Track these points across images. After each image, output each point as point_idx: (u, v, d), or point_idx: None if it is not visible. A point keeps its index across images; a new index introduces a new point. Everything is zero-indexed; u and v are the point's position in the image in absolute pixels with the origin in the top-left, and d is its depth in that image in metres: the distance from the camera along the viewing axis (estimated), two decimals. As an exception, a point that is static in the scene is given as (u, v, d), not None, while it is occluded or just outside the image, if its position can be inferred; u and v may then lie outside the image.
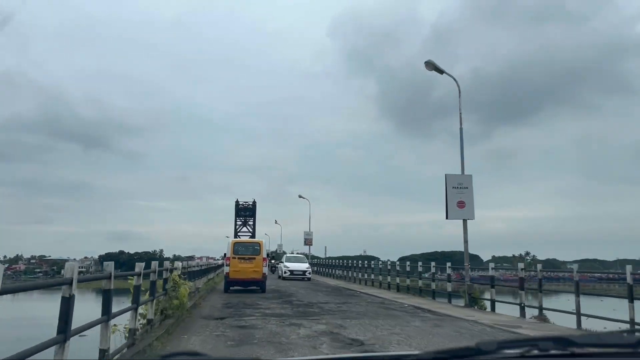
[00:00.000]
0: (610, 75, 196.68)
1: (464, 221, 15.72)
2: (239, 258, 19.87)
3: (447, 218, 15.57)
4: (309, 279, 30.07)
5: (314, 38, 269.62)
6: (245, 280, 20.02)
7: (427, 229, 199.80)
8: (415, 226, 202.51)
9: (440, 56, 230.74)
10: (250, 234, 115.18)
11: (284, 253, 51.16)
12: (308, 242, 43.07)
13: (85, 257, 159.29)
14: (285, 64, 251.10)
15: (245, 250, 20.24)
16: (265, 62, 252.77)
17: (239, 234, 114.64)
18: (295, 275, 29.78)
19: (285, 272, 30.27)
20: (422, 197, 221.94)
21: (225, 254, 21.31)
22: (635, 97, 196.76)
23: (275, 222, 71.70)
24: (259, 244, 20.86)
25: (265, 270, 20.27)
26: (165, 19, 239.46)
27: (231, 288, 20.36)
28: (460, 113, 15.97)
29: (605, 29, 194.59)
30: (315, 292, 20.72)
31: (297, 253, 47.55)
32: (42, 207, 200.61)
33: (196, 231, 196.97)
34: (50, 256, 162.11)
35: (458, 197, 15.48)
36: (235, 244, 20.60)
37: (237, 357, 7.42)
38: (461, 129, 15.89)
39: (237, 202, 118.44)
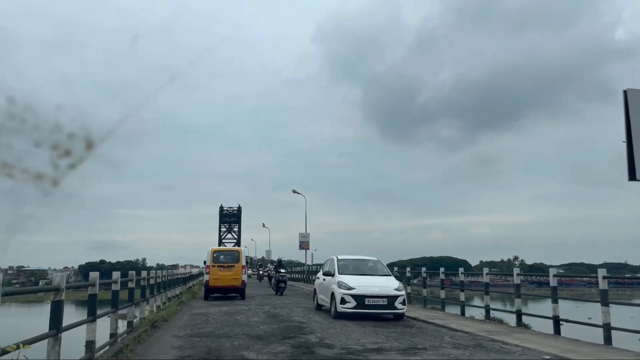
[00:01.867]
0: (592, 80, 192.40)
1: (665, 184, 7.55)
2: (218, 266, 19.27)
3: (631, 178, 7.38)
4: (401, 315, 12.32)
5: (298, 44, 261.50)
6: (225, 288, 19.54)
7: (412, 235, 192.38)
8: (401, 232, 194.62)
9: (424, 62, 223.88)
10: (235, 241, 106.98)
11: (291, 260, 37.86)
12: (304, 245, 34.43)
13: (65, 267, 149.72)
14: (270, 70, 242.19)
15: (225, 258, 19.79)
16: (250, 69, 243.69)
17: (223, 241, 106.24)
18: (371, 310, 12.05)
19: (345, 302, 12.19)
20: (407, 203, 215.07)
21: (205, 262, 20.35)
22: (616, 103, 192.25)
23: (263, 225, 62.95)
24: (238, 252, 20.52)
25: (245, 277, 19.97)
26: (148, 26, 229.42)
27: (211, 296, 19.66)
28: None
29: (586, 35, 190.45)
30: (337, 320, 12.44)
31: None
32: (21, 216, 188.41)
33: (181, 240, 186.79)
34: (28, 267, 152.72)
35: (652, 135, 7.36)
36: (214, 252, 19.86)
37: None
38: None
39: (221, 207, 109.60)
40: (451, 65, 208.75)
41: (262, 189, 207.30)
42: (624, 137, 7.50)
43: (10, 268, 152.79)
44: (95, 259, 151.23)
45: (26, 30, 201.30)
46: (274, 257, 62.19)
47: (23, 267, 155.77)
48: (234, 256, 19.88)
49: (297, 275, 41.62)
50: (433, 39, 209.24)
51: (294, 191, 36.70)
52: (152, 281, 11.76)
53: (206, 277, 19.52)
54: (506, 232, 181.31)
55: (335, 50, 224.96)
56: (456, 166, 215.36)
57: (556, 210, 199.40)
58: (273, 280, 23.72)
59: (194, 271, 35.80)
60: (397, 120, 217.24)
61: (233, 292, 19.71)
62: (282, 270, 23.08)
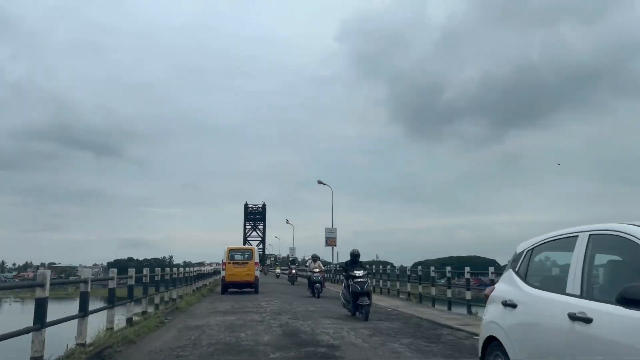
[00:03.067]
0: (625, 76, 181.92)
1: None
2: (233, 263, 20.50)
3: None
4: None
5: (322, 43, 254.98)
6: (239, 283, 20.63)
7: (438, 233, 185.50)
8: (427, 231, 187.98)
9: (450, 59, 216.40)
10: (260, 239, 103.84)
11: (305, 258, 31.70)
12: (331, 241, 30.39)
13: (95, 264, 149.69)
14: (294, 69, 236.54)
15: (239, 256, 21.02)
16: (274, 68, 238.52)
17: (248, 239, 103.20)
18: None
19: None
20: (433, 201, 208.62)
21: (222, 260, 21.59)
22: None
23: (287, 221, 59.36)
24: (251, 251, 22.16)
25: (257, 273, 20.96)
26: (174, 27, 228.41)
27: (228, 290, 20.77)
28: None
29: (618, 28, 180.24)
30: (384, 336, 8.49)
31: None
32: (54, 214, 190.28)
33: (208, 238, 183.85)
34: (60, 263, 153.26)
35: None
36: (230, 251, 21.07)
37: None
38: None
39: (246, 205, 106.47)
40: (477, 61, 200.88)
41: (286, 188, 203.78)
42: None
43: (42, 264, 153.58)
44: (125, 256, 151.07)
45: (58, 33, 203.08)
46: (299, 255, 57.96)
47: (55, 263, 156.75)
48: (248, 254, 21.38)
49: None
50: (459, 35, 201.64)
51: (320, 182, 32.86)
52: (112, 284, 7.97)
53: (223, 273, 21.04)
54: (536, 231, 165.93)
55: (360, 48, 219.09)
56: (482, 164, 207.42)
57: (587, 209, 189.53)
58: (343, 289, 12.94)
59: (206, 269, 32.12)
60: (422, 118, 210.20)
61: (247, 287, 20.79)
62: (359, 273, 11.78)
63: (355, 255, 12.70)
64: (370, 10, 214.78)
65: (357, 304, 11.54)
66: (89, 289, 6.30)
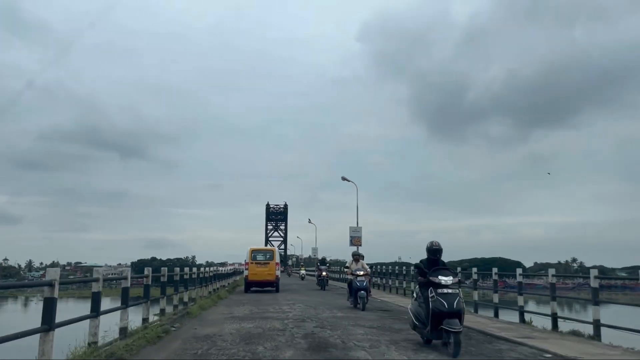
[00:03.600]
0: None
1: None
2: (256, 263, 21.44)
3: None
4: None
5: (343, 43, 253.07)
6: (261, 282, 21.56)
7: (462, 235, 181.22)
8: (450, 232, 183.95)
9: (474, 58, 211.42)
10: (282, 239, 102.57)
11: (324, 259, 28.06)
12: (355, 241, 28.61)
13: (119, 264, 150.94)
14: (316, 70, 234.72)
15: (261, 256, 21.92)
16: (295, 69, 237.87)
17: (270, 239, 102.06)
18: None
19: None
20: (457, 203, 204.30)
21: (245, 260, 22.61)
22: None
23: (309, 221, 57.88)
24: (272, 252, 23.06)
25: (278, 273, 21.89)
26: (199, 29, 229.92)
27: (250, 289, 21.91)
28: None
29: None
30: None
31: None
32: (80, 214, 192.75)
33: (230, 238, 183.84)
34: (85, 263, 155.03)
35: None
36: (252, 251, 21.96)
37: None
38: None
39: (267, 205, 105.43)
40: (502, 61, 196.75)
41: (308, 188, 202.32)
42: None
43: (69, 264, 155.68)
44: (149, 256, 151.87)
45: (86, 37, 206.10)
46: (319, 255, 56.01)
47: (80, 263, 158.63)
48: (269, 255, 22.27)
49: (336, 276, 35.69)
50: (483, 35, 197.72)
51: (344, 178, 31.18)
52: (97, 287, 6.31)
53: (246, 273, 22.09)
54: (562, 233, 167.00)
55: (381, 48, 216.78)
56: (507, 165, 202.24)
57: (617, 211, 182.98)
58: (413, 301, 8.27)
59: (225, 269, 30.67)
60: (445, 118, 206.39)
61: (268, 286, 21.79)
62: (447, 280, 7.25)
63: (435, 251, 7.93)
64: (392, 9, 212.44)
65: (441, 328, 6.98)
66: (55, 295, 4.70)
